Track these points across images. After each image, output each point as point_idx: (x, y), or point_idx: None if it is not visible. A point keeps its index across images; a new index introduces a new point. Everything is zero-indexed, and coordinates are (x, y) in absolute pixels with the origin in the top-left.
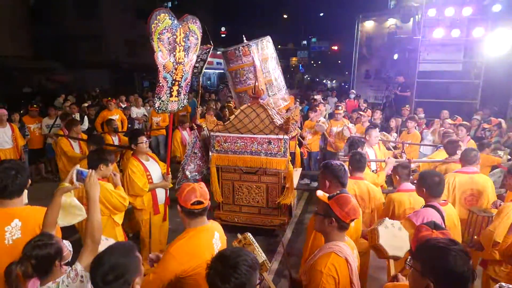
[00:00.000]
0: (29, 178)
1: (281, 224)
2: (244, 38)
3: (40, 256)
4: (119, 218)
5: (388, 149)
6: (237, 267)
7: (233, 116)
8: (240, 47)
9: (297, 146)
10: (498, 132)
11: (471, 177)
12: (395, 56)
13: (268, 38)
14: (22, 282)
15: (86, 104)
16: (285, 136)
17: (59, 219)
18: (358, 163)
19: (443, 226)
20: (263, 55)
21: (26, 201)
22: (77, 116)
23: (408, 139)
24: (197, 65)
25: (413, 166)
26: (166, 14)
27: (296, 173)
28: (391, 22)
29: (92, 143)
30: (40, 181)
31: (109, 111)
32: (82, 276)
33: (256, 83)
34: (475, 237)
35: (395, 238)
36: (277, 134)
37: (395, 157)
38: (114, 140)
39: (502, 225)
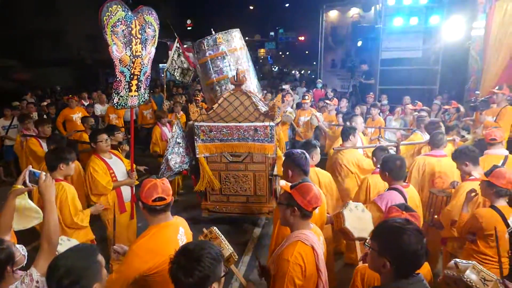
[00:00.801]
0: None
1: (269, 211)
2: (213, 31)
3: None
4: (81, 221)
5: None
6: (201, 260)
7: (216, 105)
8: (209, 39)
9: (281, 132)
10: (456, 116)
11: (439, 160)
12: (359, 43)
13: (237, 30)
14: None
15: (45, 103)
16: (271, 123)
17: (14, 222)
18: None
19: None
20: (230, 47)
21: None
22: (35, 115)
23: (372, 126)
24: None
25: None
26: (119, 6)
27: (281, 160)
28: (354, 11)
29: (53, 143)
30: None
31: (70, 109)
32: (37, 281)
33: (238, 70)
34: (435, 216)
35: (359, 220)
36: (262, 121)
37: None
38: None
39: (459, 203)
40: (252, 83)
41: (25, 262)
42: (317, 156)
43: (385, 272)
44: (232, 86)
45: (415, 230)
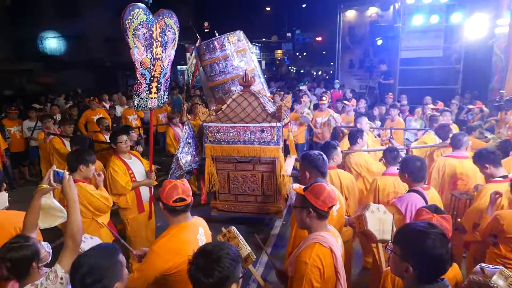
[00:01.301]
0: (2, 183)
1: (277, 211)
2: (217, 33)
3: (15, 258)
4: (103, 219)
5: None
6: (220, 261)
7: (225, 106)
8: (214, 41)
9: (290, 133)
10: (480, 116)
11: (460, 161)
12: (379, 42)
13: (241, 32)
14: None
15: (68, 105)
16: (278, 124)
17: (40, 221)
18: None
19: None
20: (238, 47)
21: (7, 204)
22: (58, 117)
23: (392, 127)
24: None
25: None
26: (141, 10)
27: (290, 160)
28: (372, 10)
29: (75, 144)
30: (24, 184)
31: (92, 110)
32: (61, 278)
33: (246, 71)
34: (458, 220)
35: (381, 222)
36: (269, 122)
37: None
38: (107, 138)
39: (481, 206)
40: (259, 83)
41: (49, 259)
42: (338, 157)
43: (407, 277)
44: (239, 87)
45: (439, 234)
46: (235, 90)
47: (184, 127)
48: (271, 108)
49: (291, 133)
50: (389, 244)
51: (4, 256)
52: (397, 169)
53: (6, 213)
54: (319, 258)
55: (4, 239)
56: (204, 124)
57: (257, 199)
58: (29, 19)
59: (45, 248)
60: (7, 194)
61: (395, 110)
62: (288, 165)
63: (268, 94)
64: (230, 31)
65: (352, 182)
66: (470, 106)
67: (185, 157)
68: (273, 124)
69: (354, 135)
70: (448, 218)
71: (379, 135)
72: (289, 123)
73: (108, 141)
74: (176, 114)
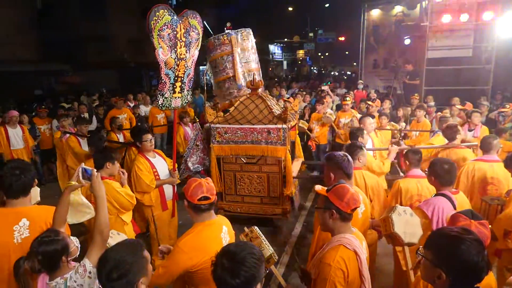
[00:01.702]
0: (34, 178)
1: (283, 212)
2: (226, 29)
3: (46, 251)
4: (126, 217)
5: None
6: (245, 261)
7: (232, 108)
8: (220, 36)
9: (297, 135)
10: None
11: (491, 165)
12: (407, 41)
13: (249, 30)
14: (31, 277)
15: (94, 104)
16: (284, 126)
17: (69, 216)
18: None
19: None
20: (242, 45)
21: (38, 199)
22: (86, 115)
23: (418, 128)
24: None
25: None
26: (165, 10)
27: (297, 162)
28: (397, 9)
29: (91, 144)
30: (53, 180)
31: (117, 109)
32: (90, 272)
33: (254, 74)
34: (489, 226)
35: (408, 225)
36: (275, 124)
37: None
38: (119, 137)
39: None
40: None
41: (78, 254)
42: (364, 158)
43: (440, 283)
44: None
45: (474, 240)
46: (236, 89)
47: (194, 128)
48: (277, 110)
49: (298, 136)
50: (419, 249)
51: (36, 250)
52: (425, 171)
53: (37, 208)
54: (343, 260)
55: (35, 233)
56: (212, 125)
57: (263, 200)
58: (57, 22)
59: (74, 243)
60: (39, 189)
61: (421, 111)
62: (294, 167)
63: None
64: (252, 32)
65: (378, 183)
66: (502, 110)
67: (193, 158)
68: (279, 126)
69: (355, 134)
70: (486, 224)
71: (403, 137)
72: (296, 126)
73: (121, 140)
74: (186, 113)
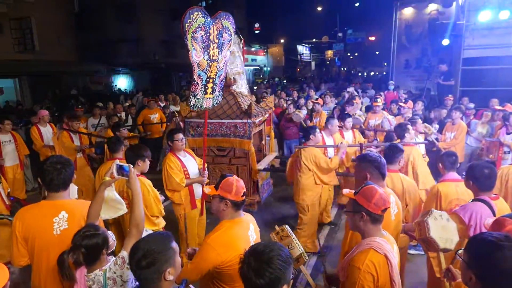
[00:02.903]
0: (73, 173)
1: (250, 203)
2: (254, 30)
3: (89, 245)
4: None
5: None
6: (271, 262)
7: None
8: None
9: (272, 131)
10: None
11: None
12: (445, 42)
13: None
14: (73, 270)
15: (127, 104)
16: (249, 120)
17: (102, 212)
18: (391, 155)
19: None
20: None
21: (76, 196)
22: (123, 115)
23: (454, 131)
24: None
25: (375, 150)
26: (199, 13)
27: (270, 156)
28: (432, 7)
29: (110, 146)
30: None
31: (149, 109)
32: (129, 263)
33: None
34: None
35: (444, 230)
36: (241, 119)
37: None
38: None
39: None
40: (243, 86)
41: (114, 247)
42: (402, 161)
43: (471, 286)
44: None
45: None
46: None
47: (176, 123)
48: (246, 106)
49: (273, 131)
50: (459, 251)
51: (80, 244)
52: (462, 175)
53: (75, 201)
54: (373, 264)
55: (73, 225)
56: (186, 120)
57: None
58: (93, 25)
59: (111, 237)
60: (76, 187)
61: (458, 112)
62: (265, 160)
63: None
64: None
65: (415, 188)
66: None
67: None
68: (244, 120)
69: (308, 132)
70: None
71: (436, 139)
72: (271, 121)
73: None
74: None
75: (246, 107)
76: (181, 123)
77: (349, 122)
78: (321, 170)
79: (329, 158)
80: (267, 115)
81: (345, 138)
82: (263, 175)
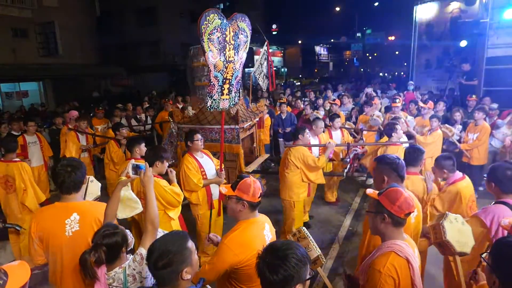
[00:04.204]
0: (85, 175)
1: None
2: (272, 31)
3: (110, 244)
4: (174, 213)
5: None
6: (286, 259)
7: (197, 109)
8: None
9: (261, 134)
10: None
11: None
12: (463, 43)
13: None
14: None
15: (145, 106)
16: (236, 126)
17: (118, 211)
18: (412, 156)
19: None
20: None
21: (99, 193)
22: (142, 116)
23: (477, 132)
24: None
25: (360, 150)
26: (216, 14)
27: (260, 158)
28: (454, 6)
29: (128, 146)
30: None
31: (166, 111)
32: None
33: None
34: None
35: (460, 233)
36: (229, 125)
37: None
38: None
39: None
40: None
41: (132, 245)
42: (422, 163)
43: None
44: None
45: None
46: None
47: (171, 126)
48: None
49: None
50: (483, 255)
51: (101, 243)
52: (484, 176)
53: (88, 203)
54: (394, 268)
55: (85, 227)
56: (178, 125)
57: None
58: (114, 28)
59: (129, 235)
60: (100, 184)
61: (481, 113)
62: (255, 163)
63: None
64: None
65: (435, 189)
66: None
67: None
68: (232, 126)
69: (296, 132)
70: None
71: (459, 140)
72: (262, 124)
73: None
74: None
75: (234, 113)
76: (173, 129)
77: (337, 122)
78: (309, 168)
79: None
80: (257, 119)
81: (334, 138)
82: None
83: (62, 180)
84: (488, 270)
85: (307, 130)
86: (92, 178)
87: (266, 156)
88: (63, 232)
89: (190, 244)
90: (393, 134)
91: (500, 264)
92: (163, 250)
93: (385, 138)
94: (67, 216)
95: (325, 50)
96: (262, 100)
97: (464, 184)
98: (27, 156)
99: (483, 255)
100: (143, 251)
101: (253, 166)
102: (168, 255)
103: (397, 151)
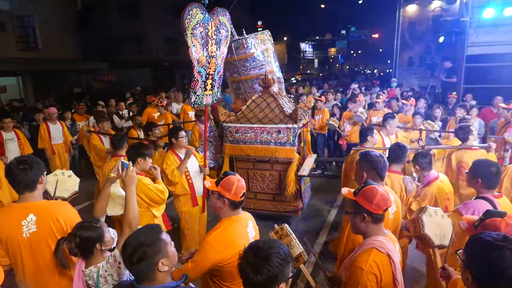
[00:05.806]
0: (40, 174)
1: (294, 210)
2: (244, 32)
3: (82, 236)
4: (157, 211)
5: (433, 138)
6: (270, 259)
7: (244, 107)
8: (238, 40)
9: (309, 133)
10: None
11: None
12: (441, 39)
13: (268, 32)
14: (69, 258)
15: (128, 102)
16: (294, 125)
17: (108, 208)
18: (397, 154)
19: None
20: (263, 47)
21: (76, 189)
22: (125, 112)
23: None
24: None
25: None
26: (198, 9)
27: (310, 159)
28: (435, 4)
29: (112, 143)
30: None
31: (152, 108)
32: (119, 262)
33: (266, 72)
34: None
35: (439, 227)
36: (286, 123)
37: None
38: (140, 134)
39: None
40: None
41: (114, 245)
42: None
43: (468, 286)
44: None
45: (509, 248)
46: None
47: (208, 125)
48: (289, 109)
49: (309, 133)
50: (459, 251)
51: (75, 233)
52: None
53: (46, 203)
54: (376, 264)
55: (43, 228)
56: (224, 124)
57: (275, 198)
58: (96, 22)
59: (110, 234)
60: (78, 179)
61: (462, 110)
62: (307, 164)
63: (284, 94)
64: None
65: (451, 193)
66: None
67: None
68: (289, 125)
69: (365, 133)
70: None
71: (440, 137)
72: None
73: (141, 137)
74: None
75: (289, 109)
76: (213, 128)
77: (394, 126)
78: None
79: None
80: (308, 116)
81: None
82: (305, 180)
83: (14, 178)
84: (462, 267)
85: (375, 131)
86: (70, 173)
87: (314, 156)
88: (20, 234)
89: (165, 235)
90: (368, 138)
91: (472, 260)
92: (136, 244)
93: (454, 141)
94: (23, 217)
95: (310, 47)
96: (309, 96)
97: (439, 184)
98: (4, 153)
99: (458, 252)
100: (117, 253)
101: (307, 168)
102: (142, 247)
103: (479, 156)
